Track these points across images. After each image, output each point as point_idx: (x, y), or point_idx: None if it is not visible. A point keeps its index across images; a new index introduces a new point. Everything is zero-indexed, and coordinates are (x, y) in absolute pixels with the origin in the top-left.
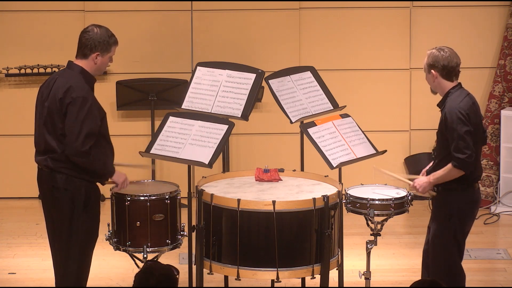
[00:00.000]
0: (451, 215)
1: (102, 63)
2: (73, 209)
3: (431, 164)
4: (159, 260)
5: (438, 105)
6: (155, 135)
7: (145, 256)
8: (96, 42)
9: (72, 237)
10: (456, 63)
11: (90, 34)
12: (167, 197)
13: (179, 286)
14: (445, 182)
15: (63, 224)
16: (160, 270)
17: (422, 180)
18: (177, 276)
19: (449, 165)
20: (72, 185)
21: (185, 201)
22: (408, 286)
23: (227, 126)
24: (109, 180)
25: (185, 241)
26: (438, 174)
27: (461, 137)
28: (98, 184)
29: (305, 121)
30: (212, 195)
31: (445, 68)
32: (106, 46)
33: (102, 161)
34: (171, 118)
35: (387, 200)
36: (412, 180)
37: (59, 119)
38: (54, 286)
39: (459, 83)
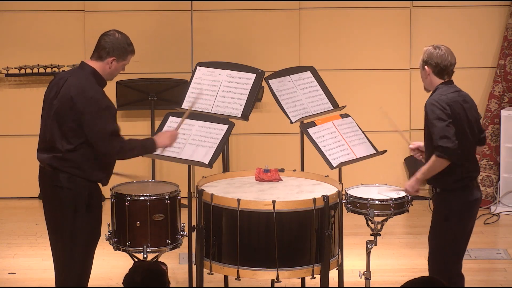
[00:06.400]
0: (448, 216)
1: (115, 69)
2: (75, 209)
3: None
4: (159, 260)
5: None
6: (155, 135)
7: (145, 256)
8: (114, 47)
9: (73, 237)
10: (450, 62)
11: (111, 38)
12: (167, 197)
13: (179, 286)
14: (442, 183)
15: (65, 224)
16: (144, 266)
17: (410, 180)
18: (165, 269)
19: (433, 157)
20: (75, 185)
21: (185, 201)
22: (408, 286)
23: (227, 126)
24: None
25: (185, 241)
26: (424, 169)
27: (440, 126)
28: (99, 184)
29: (305, 121)
30: (212, 195)
31: (438, 65)
32: (123, 53)
33: (137, 144)
34: (171, 118)
35: (387, 200)
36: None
37: (68, 119)
38: (54, 286)
39: (450, 80)
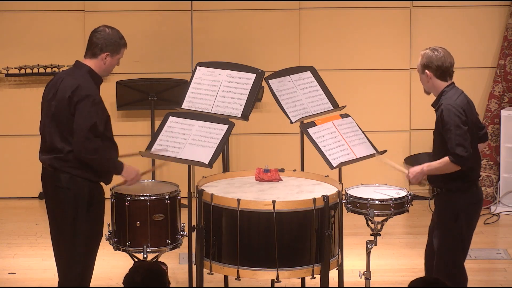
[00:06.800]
0: (457, 216)
1: (110, 64)
2: (76, 209)
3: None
4: (159, 260)
5: (432, 105)
6: (155, 135)
7: (145, 256)
8: (107, 42)
9: (75, 237)
10: (450, 63)
11: (102, 34)
12: (167, 197)
13: (179, 286)
14: (449, 183)
15: (66, 224)
16: (144, 266)
17: (415, 168)
18: (165, 269)
19: (446, 159)
20: (76, 185)
21: (185, 201)
22: (413, 286)
23: (227, 126)
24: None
25: (185, 241)
26: (433, 166)
27: (458, 133)
28: (102, 183)
29: (305, 121)
30: (212, 195)
31: (439, 68)
32: (116, 47)
33: (111, 159)
34: (171, 118)
35: (387, 200)
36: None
37: (66, 118)
38: (55, 286)
39: (453, 82)
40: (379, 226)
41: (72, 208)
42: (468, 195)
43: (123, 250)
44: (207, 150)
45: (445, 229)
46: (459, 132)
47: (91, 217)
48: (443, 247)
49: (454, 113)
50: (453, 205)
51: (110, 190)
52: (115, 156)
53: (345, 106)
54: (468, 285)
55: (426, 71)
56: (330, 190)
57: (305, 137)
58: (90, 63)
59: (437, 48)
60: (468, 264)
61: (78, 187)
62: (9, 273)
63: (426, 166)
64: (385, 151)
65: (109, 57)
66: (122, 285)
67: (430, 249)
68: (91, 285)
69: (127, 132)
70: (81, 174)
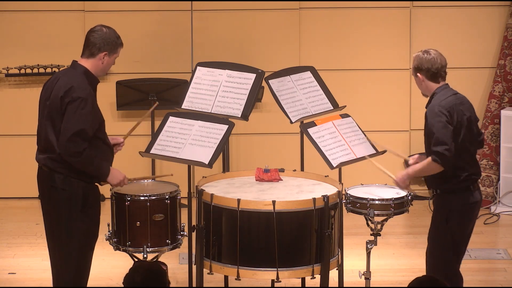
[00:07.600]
0: (448, 218)
1: (108, 64)
2: (70, 210)
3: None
4: (159, 260)
5: (426, 106)
6: (155, 135)
7: (145, 256)
8: (104, 41)
9: (70, 238)
10: (440, 64)
11: (99, 33)
12: (167, 197)
13: (179, 286)
14: (443, 185)
15: (61, 225)
16: (144, 266)
17: (401, 173)
18: (166, 269)
19: (429, 159)
20: (70, 185)
21: (185, 201)
22: (414, 286)
23: (227, 126)
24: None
25: (185, 241)
26: (417, 168)
27: (439, 131)
28: (97, 184)
29: (305, 121)
30: (212, 195)
31: (429, 70)
32: (113, 46)
33: (95, 163)
34: (171, 118)
35: (387, 200)
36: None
37: (59, 118)
38: (54, 286)
39: (446, 84)
40: (379, 226)
41: (67, 209)
42: (463, 196)
43: (123, 250)
44: (207, 150)
45: (437, 229)
46: (441, 131)
47: (86, 217)
48: (435, 247)
49: (436, 113)
50: (446, 207)
51: (110, 190)
52: (107, 159)
53: (345, 106)
54: (468, 285)
55: (418, 74)
56: (330, 190)
57: (305, 137)
58: (87, 63)
59: (428, 50)
60: (468, 264)
61: (73, 188)
62: (9, 273)
63: (411, 169)
64: (385, 151)
65: (106, 56)
66: (122, 285)
67: None
68: (90, 285)
69: (127, 132)
70: (75, 174)
